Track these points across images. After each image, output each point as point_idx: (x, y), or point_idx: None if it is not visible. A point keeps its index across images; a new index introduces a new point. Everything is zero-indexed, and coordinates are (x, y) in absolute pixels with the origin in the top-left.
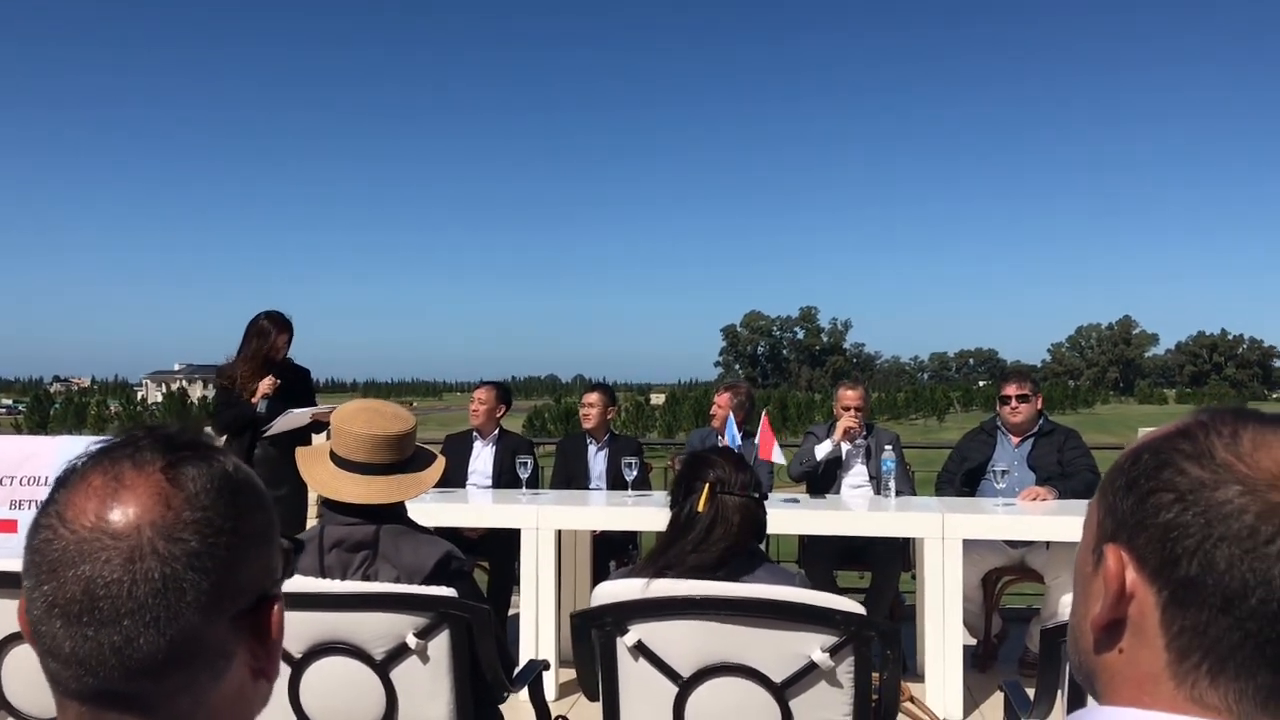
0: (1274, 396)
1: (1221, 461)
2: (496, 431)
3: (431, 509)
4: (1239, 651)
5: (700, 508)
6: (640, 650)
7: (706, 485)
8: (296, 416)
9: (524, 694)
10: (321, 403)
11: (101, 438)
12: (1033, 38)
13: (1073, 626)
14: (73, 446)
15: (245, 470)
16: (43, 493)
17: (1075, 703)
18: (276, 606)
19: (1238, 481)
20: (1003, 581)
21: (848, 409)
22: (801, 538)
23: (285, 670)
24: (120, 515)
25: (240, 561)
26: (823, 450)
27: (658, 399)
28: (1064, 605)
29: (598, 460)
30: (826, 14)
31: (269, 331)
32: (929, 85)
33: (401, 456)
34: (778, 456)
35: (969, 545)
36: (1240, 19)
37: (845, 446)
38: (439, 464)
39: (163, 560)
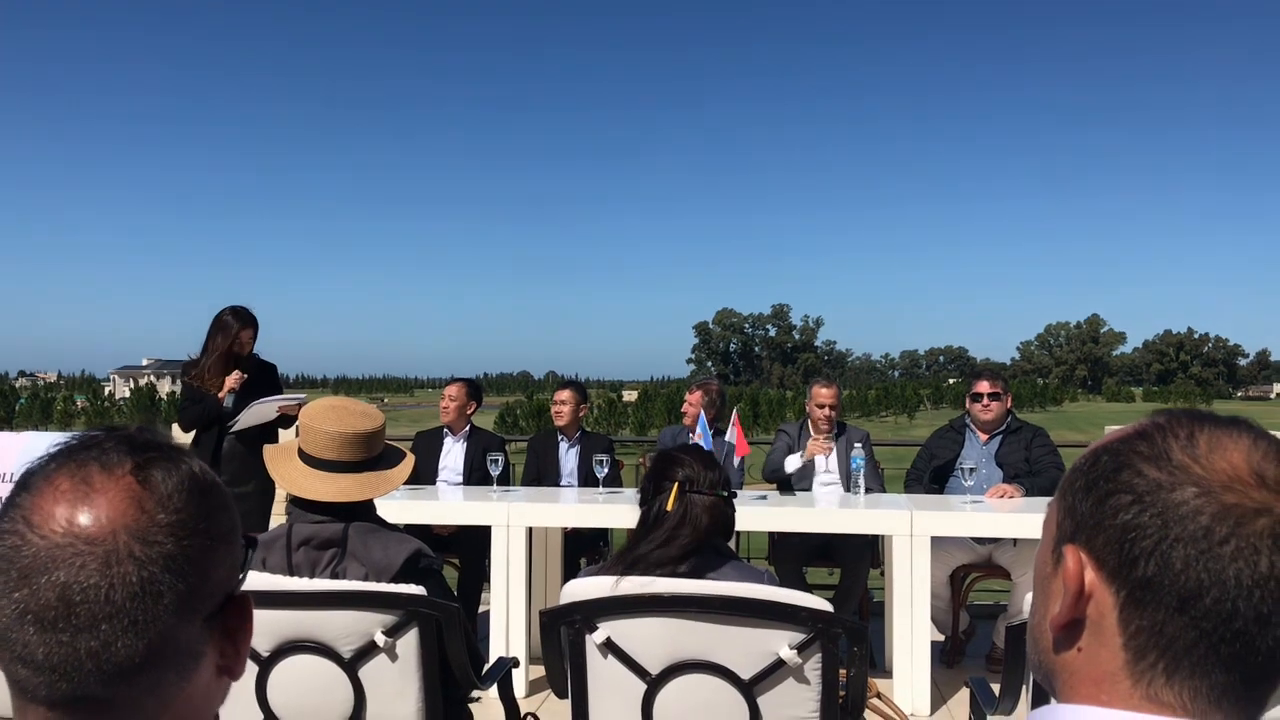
0: (1238, 395)
1: (1178, 463)
2: (468, 428)
3: (402, 506)
4: (1194, 651)
5: (669, 507)
6: (609, 648)
7: (675, 484)
8: (263, 409)
9: (493, 691)
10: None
11: (64, 435)
12: (1000, 40)
13: (1032, 626)
14: (39, 443)
15: (210, 470)
16: (6, 489)
17: (1040, 699)
18: (248, 604)
19: (1193, 483)
20: (970, 578)
21: (822, 406)
22: (771, 534)
23: (253, 668)
24: (93, 519)
25: (212, 562)
26: (792, 464)
27: (630, 396)
28: (1030, 601)
29: (569, 457)
30: (796, 19)
31: (232, 327)
32: (900, 88)
33: (370, 454)
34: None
35: (937, 542)
36: (1207, 23)
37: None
38: (408, 462)
39: (140, 564)
